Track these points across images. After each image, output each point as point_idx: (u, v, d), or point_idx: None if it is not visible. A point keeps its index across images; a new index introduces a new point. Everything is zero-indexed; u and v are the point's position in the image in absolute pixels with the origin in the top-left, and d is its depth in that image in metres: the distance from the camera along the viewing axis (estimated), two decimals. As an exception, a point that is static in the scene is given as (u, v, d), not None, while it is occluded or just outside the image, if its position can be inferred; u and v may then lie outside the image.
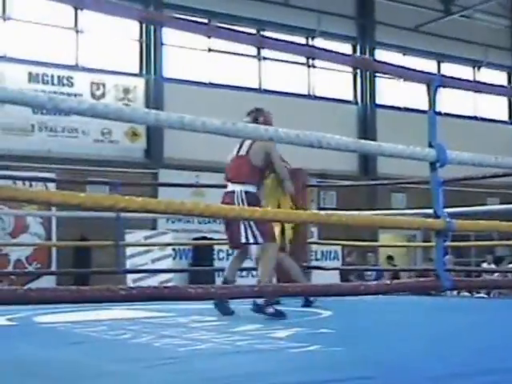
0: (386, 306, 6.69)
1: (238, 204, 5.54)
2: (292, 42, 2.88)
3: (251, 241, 5.65)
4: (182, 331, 4.44)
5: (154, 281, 11.82)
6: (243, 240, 5.64)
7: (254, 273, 7.57)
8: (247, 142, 5.71)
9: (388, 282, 3.12)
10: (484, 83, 4.53)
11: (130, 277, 11.76)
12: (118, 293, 2.30)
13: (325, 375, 2.88)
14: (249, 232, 5.63)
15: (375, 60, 4.16)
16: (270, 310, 5.40)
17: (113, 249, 8.84)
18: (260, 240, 5.62)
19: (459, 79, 3.96)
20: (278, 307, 5.50)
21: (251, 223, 5.56)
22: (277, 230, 6.39)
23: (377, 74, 18.56)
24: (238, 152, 5.77)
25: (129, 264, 12.24)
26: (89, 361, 3.32)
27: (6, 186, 2.26)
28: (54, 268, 13.56)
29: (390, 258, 16.26)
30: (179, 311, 5.75)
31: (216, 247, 13.72)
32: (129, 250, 12.43)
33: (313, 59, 15.57)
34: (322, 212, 2.81)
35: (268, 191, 6.34)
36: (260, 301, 5.42)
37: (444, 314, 5.96)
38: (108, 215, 8.37)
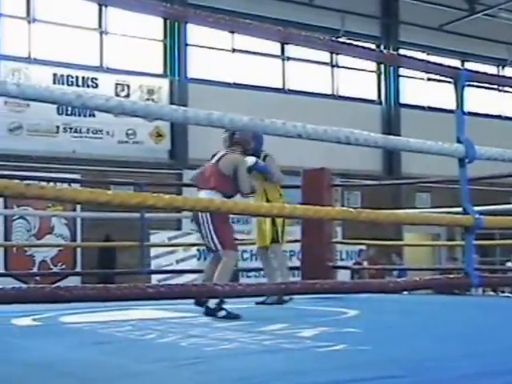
0: (412, 305, 6.64)
1: (202, 215, 5.76)
2: (316, 37, 2.85)
3: (213, 247, 5.81)
4: (207, 331, 4.43)
5: (178, 282, 11.83)
6: (218, 247, 5.78)
7: (262, 273, 7.67)
8: (219, 154, 5.94)
9: (417, 278, 3.08)
10: (510, 77, 4.46)
11: (154, 278, 11.78)
12: (145, 290, 2.29)
13: (351, 374, 2.85)
14: (209, 238, 5.79)
15: (400, 55, 4.11)
16: (222, 312, 5.43)
17: (137, 249, 8.88)
18: (219, 247, 5.75)
19: (486, 74, 3.90)
20: (228, 307, 5.51)
21: (211, 230, 5.74)
22: (267, 224, 6.60)
23: (401, 74, 18.49)
24: (211, 161, 5.97)
25: (153, 265, 12.28)
26: (114, 361, 3.32)
27: (33, 184, 2.26)
28: (78, 269, 13.64)
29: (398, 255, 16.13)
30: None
31: (240, 248, 13.69)
32: (153, 251, 12.46)
33: (337, 54, 15.49)
34: (352, 209, 2.78)
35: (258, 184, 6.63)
36: (212, 304, 5.45)
37: (471, 312, 5.90)
38: (132, 216, 8.41)
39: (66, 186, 10.86)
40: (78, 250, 13.91)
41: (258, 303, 6.48)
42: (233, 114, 2.44)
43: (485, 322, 4.98)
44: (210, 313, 5.46)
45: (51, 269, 13.43)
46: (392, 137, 3.09)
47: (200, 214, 5.82)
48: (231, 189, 5.83)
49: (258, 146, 6.67)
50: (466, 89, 3.34)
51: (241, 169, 5.93)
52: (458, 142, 3.10)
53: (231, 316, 5.38)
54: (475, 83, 3.72)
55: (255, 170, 6.54)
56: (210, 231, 5.77)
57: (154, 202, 2.30)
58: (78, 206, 12.53)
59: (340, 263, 11.94)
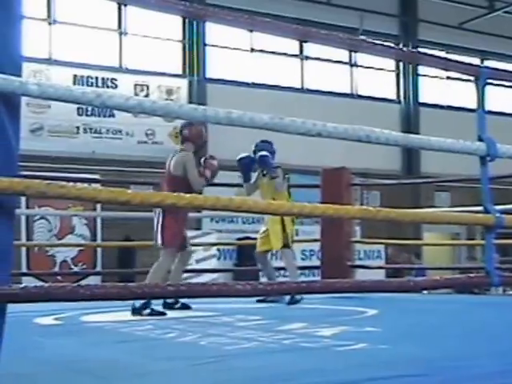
0: (432, 305, 6.62)
1: (157, 212, 5.90)
2: (335, 35, 2.84)
3: (159, 243, 5.97)
4: (227, 330, 4.44)
5: (198, 281, 11.85)
6: (158, 242, 5.97)
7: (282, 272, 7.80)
8: (170, 159, 6.11)
9: (437, 277, 3.06)
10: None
11: (174, 277, 11.82)
12: (166, 289, 2.30)
13: (371, 373, 2.84)
14: (158, 234, 5.95)
15: (420, 52, 4.09)
16: (147, 311, 5.57)
17: (157, 249, 8.89)
18: (159, 243, 5.95)
19: (507, 71, 3.87)
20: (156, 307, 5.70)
21: (159, 226, 5.92)
22: (277, 227, 6.74)
23: (419, 73, 18.41)
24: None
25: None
26: (135, 359, 3.33)
27: (54, 183, 2.28)
28: (98, 269, 13.71)
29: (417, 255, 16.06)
30: (224, 310, 5.75)
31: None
32: (173, 251, 12.49)
33: (355, 52, 15.44)
34: (371, 208, 2.77)
35: (265, 193, 6.96)
36: (138, 303, 5.56)
37: (491, 311, 5.87)
38: (152, 216, 8.43)
39: (85, 185, 10.94)
40: (99, 249, 13.98)
41: (258, 300, 6.56)
42: (252, 113, 2.44)
43: (505, 320, 4.94)
44: (135, 312, 5.59)
45: (72, 268, 13.51)
46: (413, 135, 3.08)
47: (157, 209, 5.87)
48: (181, 188, 5.57)
49: (271, 155, 6.85)
50: (487, 87, 3.32)
51: (189, 167, 5.95)
52: (480, 140, 3.08)
53: (158, 313, 5.58)
54: (496, 81, 3.69)
55: (263, 164, 6.71)
56: (159, 227, 5.94)
57: (175, 201, 2.31)
58: (99, 206, 12.60)
59: (358, 263, 11.90)
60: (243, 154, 6.87)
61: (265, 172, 7.02)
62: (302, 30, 2.72)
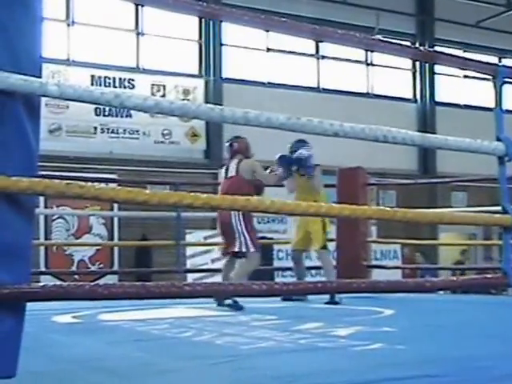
0: (448, 305, 6.60)
1: (235, 217, 6.31)
2: (351, 34, 2.84)
3: (243, 250, 6.32)
4: (243, 329, 4.45)
5: (214, 281, 11.87)
6: (236, 249, 6.33)
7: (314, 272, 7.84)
8: (233, 165, 6.65)
9: (454, 278, 3.06)
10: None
11: (190, 277, 11.85)
12: (183, 288, 2.31)
13: (388, 373, 2.84)
14: (242, 241, 6.32)
15: (437, 52, 4.08)
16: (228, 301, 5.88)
17: (173, 249, 8.94)
18: (244, 249, 6.33)
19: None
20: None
21: (244, 233, 6.32)
22: (318, 227, 6.79)
23: (436, 71, 18.34)
24: (227, 174, 6.68)
25: (189, 264, 12.34)
26: (152, 358, 3.35)
27: (73, 183, 2.30)
28: (115, 268, 13.77)
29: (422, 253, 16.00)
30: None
31: (275, 247, 13.73)
32: (189, 250, 12.53)
33: (372, 52, 15.40)
34: (388, 208, 2.77)
35: (300, 193, 7.03)
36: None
37: (508, 311, 5.84)
38: (168, 215, 8.48)
39: (103, 185, 10.99)
40: (116, 249, 14.05)
41: (284, 299, 6.60)
42: (269, 113, 2.45)
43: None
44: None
45: (89, 268, 13.59)
46: (429, 135, 3.08)
47: (233, 215, 6.23)
48: (254, 193, 6.39)
49: (309, 155, 6.97)
50: (505, 86, 3.31)
51: (259, 170, 6.65)
52: (498, 139, 3.07)
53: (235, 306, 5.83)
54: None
55: (299, 163, 6.80)
56: (244, 233, 6.28)
57: (191, 201, 2.32)
58: (116, 206, 12.66)
59: (375, 263, 11.87)
60: (282, 153, 7.01)
61: (302, 172, 7.04)
62: (319, 30, 2.73)
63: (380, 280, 2.91)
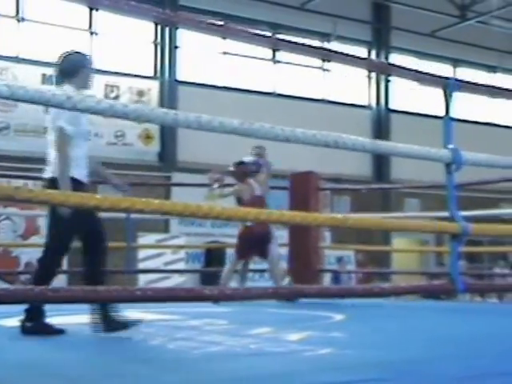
0: (397, 310, 6.67)
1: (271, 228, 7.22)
2: (307, 45, 2.87)
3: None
4: (194, 334, 4.43)
5: (166, 284, 11.82)
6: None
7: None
8: (257, 186, 7.41)
9: (403, 284, 3.10)
10: (500, 88, 4.50)
11: (142, 280, 11.78)
12: (134, 293, 2.30)
13: (337, 377, 2.87)
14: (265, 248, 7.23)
15: (390, 64, 4.14)
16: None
17: (124, 252, 8.83)
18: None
19: (475, 83, 3.93)
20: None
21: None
22: None
23: (391, 79, 18.55)
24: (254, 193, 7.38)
25: (141, 267, 12.24)
26: (102, 361, 3.32)
27: (22, 187, 2.27)
28: (65, 268, 13.53)
29: None
30: (192, 314, 5.74)
31: (228, 251, 13.74)
32: (141, 254, 12.44)
33: (328, 61, 15.54)
34: (339, 215, 2.80)
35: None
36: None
37: (457, 317, 5.92)
38: (118, 216, 8.36)
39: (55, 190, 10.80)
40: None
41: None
42: (222, 117, 2.45)
43: (471, 326, 5.00)
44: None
45: (37, 270, 13.34)
46: (380, 141, 3.12)
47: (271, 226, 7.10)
48: None
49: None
50: (457, 96, 3.36)
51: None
52: (445, 148, 3.13)
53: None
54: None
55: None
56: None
57: (143, 207, 2.31)
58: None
59: (328, 268, 11.96)
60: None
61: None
62: (275, 40, 2.74)
63: (330, 286, 2.93)
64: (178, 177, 14.64)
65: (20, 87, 2.25)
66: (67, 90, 4.14)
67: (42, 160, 14.11)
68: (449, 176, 3.14)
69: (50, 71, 14.01)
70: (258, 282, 12.50)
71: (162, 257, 12.99)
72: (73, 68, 4.33)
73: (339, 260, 14.91)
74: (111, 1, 2.28)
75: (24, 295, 2.29)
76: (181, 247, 13.44)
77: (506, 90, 4.29)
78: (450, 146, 3.09)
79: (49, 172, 4.46)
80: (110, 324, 4.34)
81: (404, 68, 3.42)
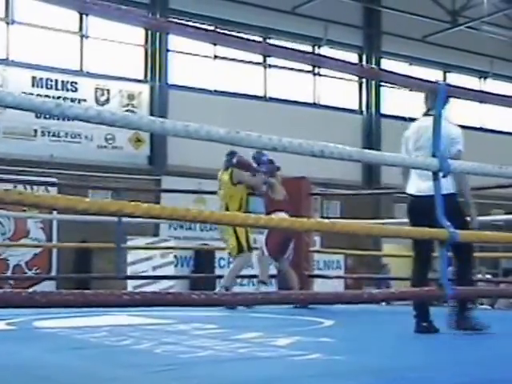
0: (387, 316, 6.68)
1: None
2: (298, 50, 2.88)
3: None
4: (183, 338, 4.43)
5: (155, 288, 11.77)
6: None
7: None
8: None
9: (392, 290, 3.11)
10: (490, 93, 4.53)
11: (130, 284, 11.74)
12: (121, 297, 2.30)
13: (325, 383, 2.87)
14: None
15: (381, 69, 4.16)
16: None
17: (113, 255, 8.80)
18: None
19: (465, 88, 3.95)
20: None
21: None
22: (232, 239, 7.40)
23: (382, 84, 18.56)
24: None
25: (129, 271, 12.21)
26: (90, 366, 3.32)
27: (12, 190, 2.26)
28: (53, 273, 13.47)
29: None
30: (180, 318, 5.73)
31: (217, 255, 13.74)
32: (130, 257, 12.41)
33: (319, 67, 15.56)
34: (326, 220, 2.80)
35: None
36: None
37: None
38: (109, 219, 8.35)
39: (42, 189, 10.77)
40: (54, 254, 13.69)
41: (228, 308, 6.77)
42: (210, 125, 2.46)
43: (459, 333, 5.01)
44: None
45: (26, 273, 13.28)
46: (367, 150, 3.13)
47: None
48: None
49: None
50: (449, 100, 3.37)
51: None
52: (433, 155, 3.14)
53: None
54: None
55: None
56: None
57: (132, 211, 2.31)
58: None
59: (318, 273, 11.97)
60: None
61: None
62: (265, 46, 2.75)
63: (318, 291, 2.93)
64: (167, 180, 14.62)
65: (8, 93, 2.23)
66: None
67: (31, 163, 13.98)
68: (436, 183, 3.15)
69: (40, 74, 13.99)
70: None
71: (150, 260, 12.96)
72: None
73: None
74: (101, 6, 2.29)
75: (12, 299, 2.28)
76: (171, 248, 13.43)
77: (496, 95, 4.32)
78: (438, 153, 3.10)
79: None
80: (463, 323, 4.60)
81: (395, 73, 3.43)
